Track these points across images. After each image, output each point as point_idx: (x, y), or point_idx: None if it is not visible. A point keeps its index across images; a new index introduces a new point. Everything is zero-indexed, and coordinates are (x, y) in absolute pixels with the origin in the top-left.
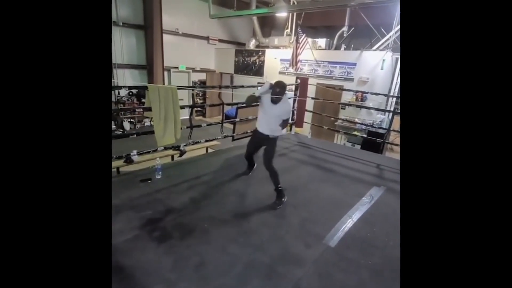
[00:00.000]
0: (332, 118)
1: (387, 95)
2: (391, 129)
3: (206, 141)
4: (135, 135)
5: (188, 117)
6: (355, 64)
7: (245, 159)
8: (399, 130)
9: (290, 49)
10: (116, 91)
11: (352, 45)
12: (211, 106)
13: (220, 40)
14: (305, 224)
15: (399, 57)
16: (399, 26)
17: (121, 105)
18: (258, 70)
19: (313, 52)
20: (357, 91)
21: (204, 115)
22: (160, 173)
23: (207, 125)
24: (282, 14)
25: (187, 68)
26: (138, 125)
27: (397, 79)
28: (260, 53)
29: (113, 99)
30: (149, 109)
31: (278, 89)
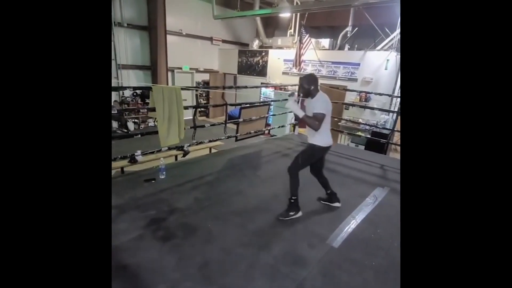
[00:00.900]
0: (336, 119)
1: (391, 95)
2: (395, 129)
3: (210, 141)
4: (139, 135)
5: (191, 117)
6: (358, 64)
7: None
8: None
9: (294, 49)
10: (121, 92)
11: (356, 45)
12: (215, 107)
13: (224, 41)
14: (309, 224)
15: None
16: None
17: (126, 105)
18: (261, 70)
19: (316, 53)
20: (360, 92)
21: (207, 115)
22: (164, 173)
23: (211, 125)
24: (285, 15)
25: (190, 68)
26: (142, 125)
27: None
28: (263, 54)
29: (117, 99)
30: (153, 109)
31: (302, 83)
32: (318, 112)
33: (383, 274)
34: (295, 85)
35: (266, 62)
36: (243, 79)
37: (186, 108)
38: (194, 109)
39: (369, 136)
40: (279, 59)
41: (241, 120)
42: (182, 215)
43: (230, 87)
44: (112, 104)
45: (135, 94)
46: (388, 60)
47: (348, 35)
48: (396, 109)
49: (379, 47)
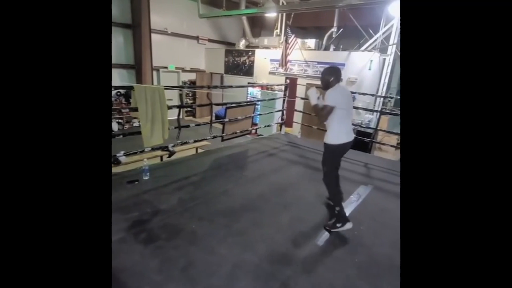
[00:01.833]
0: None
1: (374, 95)
2: (378, 128)
3: (195, 141)
4: (121, 136)
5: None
6: (344, 65)
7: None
8: (386, 130)
9: (280, 49)
10: None
11: (341, 46)
12: (200, 106)
13: (210, 40)
14: (294, 223)
15: (386, 57)
16: (386, 28)
17: None
18: (248, 70)
19: (302, 53)
20: None
21: (194, 115)
22: (148, 174)
23: (196, 125)
24: (271, 15)
25: (176, 68)
26: (127, 126)
27: (384, 80)
28: (250, 53)
29: None
30: (136, 109)
31: (322, 77)
32: (326, 103)
33: (365, 270)
34: (281, 84)
35: (253, 62)
36: (230, 78)
37: (170, 108)
38: (178, 109)
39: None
40: (266, 59)
41: (226, 120)
42: (166, 217)
43: (215, 87)
44: None
45: (119, 93)
46: (371, 60)
47: (333, 36)
48: (379, 109)
49: (363, 48)
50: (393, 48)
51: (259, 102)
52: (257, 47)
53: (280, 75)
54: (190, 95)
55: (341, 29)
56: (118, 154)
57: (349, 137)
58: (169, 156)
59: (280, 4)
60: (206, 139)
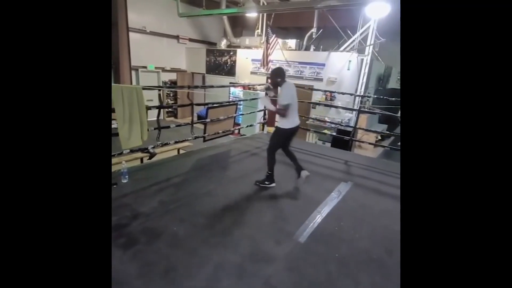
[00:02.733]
0: (303, 117)
1: (353, 94)
2: (358, 127)
3: (176, 142)
4: None
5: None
6: (324, 65)
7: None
8: (365, 128)
9: (261, 49)
10: None
11: (321, 46)
12: (181, 107)
13: (191, 40)
14: (276, 221)
15: (364, 58)
16: (363, 29)
17: None
18: (230, 70)
19: (283, 53)
20: (326, 91)
21: (175, 116)
22: (127, 176)
23: (177, 126)
24: (252, 15)
25: (156, 67)
26: None
27: (362, 79)
28: (231, 53)
29: None
30: (113, 110)
31: (271, 74)
32: (282, 104)
33: (345, 264)
34: (263, 84)
35: (235, 61)
36: (212, 78)
37: (150, 108)
38: (158, 110)
39: (334, 134)
40: (247, 59)
41: (208, 120)
42: (146, 220)
43: (196, 87)
44: None
45: None
46: (350, 61)
47: (314, 36)
48: (358, 108)
49: (342, 49)
50: (370, 49)
51: (241, 102)
52: (239, 47)
53: (262, 75)
54: (171, 95)
55: (321, 30)
56: None
57: (296, 122)
58: (150, 158)
59: (261, 4)
60: (188, 140)
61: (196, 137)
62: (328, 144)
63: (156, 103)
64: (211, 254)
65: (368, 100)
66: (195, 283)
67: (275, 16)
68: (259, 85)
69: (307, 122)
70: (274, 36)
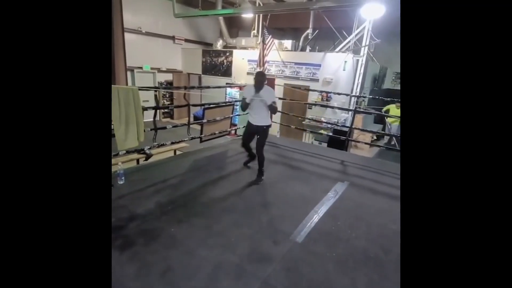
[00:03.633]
0: (300, 118)
1: (349, 95)
2: (354, 127)
3: (172, 143)
4: None
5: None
6: (319, 65)
7: (243, 148)
8: (361, 128)
9: (258, 50)
10: None
11: (317, 47)
12: (177, 107)
13: (187, 40)
14: (274, 221)
15: (359, 59)
16: (358, 30)
17: None
18: (226, 70)
19: (279, 53)
20: (322, 91)
21: (172, 116)
22: (123, 178)
23: (173, 126)
24: (248, 15)
25: (152, 68)
26: None
27: (358, 80)
28: (227, 54)
29: None
30: None
31: (259, 78)
32: (275, 101)
33: (342, 263)
34: None
35: (231, 62)
36: (208, 79)
37: (146, 109)
38: (154, 111)
39: (331, 134)
40: (244, 60)
41: (205, 121)
42: (143, 221)
43: (192, 87)
44: None
45: None
46: (346, 61)
47: (309, 37)
48: (353, 108)
49: (337, 49)
50: (366, 50)
51: (237, 103)
52: (235, 47)
53: None
54: (168, 96)
55: (317, 31)
56: None
57: None
58: (146, 159)
59: (257, 5)
60: (184, 140)
61: (192, 138)
62: (325, 144)
63: (152, 103)
64: (209, 254)
65: (363, 100)
66: (194, 284)
67: (271, 17)
68: None
69: (303, 122)
70: (270, 36)
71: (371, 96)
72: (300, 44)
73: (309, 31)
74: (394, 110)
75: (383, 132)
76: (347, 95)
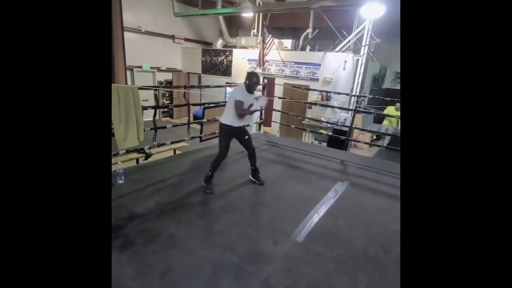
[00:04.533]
0: (300, 117)
1: (349, 94)
2: (353, 126)
3: (172, 142)
4: None
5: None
6: (319, 65)
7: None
8: (361, 128)
9: (257, 49)
10: None
11: (317, 46)
12: (177, 107)
13: (186, 39)
14: (274, 221)
15: (359, 58)
16: (358, 29)
17: None
18: (226, 70)
19: (279, 53)
20: (322, 91)
21: (171, 116)
22: (123, 177)
23: (173, 126)
24: (248, 15)
25: (151, 67)
26: None
27: (358, 79)
28: (227, 53)
29: None
30: None
31: (255, 79)
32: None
33: (343, 263)
34: (259, 84)
35: (231, 61)
36: (208, 78)
37: (145, 108)
38: (154, 110)
39: (330, 133)
40: (244, 59)
41: (204, 120)
42: (143, 221)
43: (192, 87)
44: None
45: None
46: (346, 61)
47: (309, 37)
48: (353, 107)
49: (337, 49)
50: (366, 49)
51: None
52: (235, 47)
53: (259, 75)
54: (167, 95)
55: (317, 30)
56: None
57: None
58: (146, 159)
59: (257, 4)
60: (184, 140)
61: (192, 138)
62: (324, 144)
63: (151, 103)
64: (209, 254)
65: (363, 100)
66: (193, 284)
67: (271, 16)
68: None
69: (303, 122)
70: (270, 36)
71: (371, 96)
72: (300, 43)
73: (309, 30)
74: (393, 111)
75: (382, 132)
76: (347, 94)
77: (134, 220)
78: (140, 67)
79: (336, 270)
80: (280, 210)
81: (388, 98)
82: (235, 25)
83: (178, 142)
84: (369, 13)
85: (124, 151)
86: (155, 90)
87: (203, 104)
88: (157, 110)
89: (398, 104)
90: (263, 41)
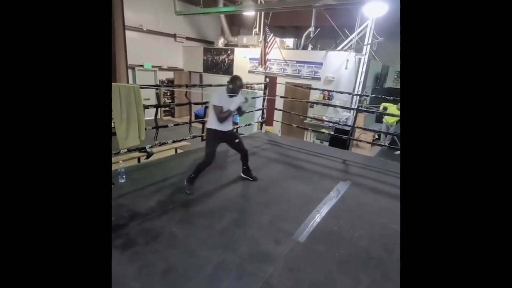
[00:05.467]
0: (301, 117)
1: (351, 94)
2: (355, 126)
3: (174, 141)
4: None
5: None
6: (321, 64)
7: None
8: (363, 127)
9: (259, 48)
10: None
11: (319, 45)
12: (179, 106)
13: (188, 38)
14: (276, 221)
15: (361, 57)
16: (360, 28)
17: None
18: (227, 69)
19: (281, 52)
20: (323, 90)
21: (173, 115)
22: (124, 176)
23: (175, 125)
24: (249, 13)
25: (153, 66)
26: None
27: (360, 78)
28: (229, 52)
29: None
30: None
31: (239, 82)
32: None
33: (345, 263)
34: (261, 83)
35: (232, 60)
36: (209, 77)
37: (147, 107)
38: (155, 109)
39: (332, 133)
40: (245, 58)
41: (206, 119)
42: (144, 220)
43: (193, 85)
44: None
45: None
46: (348, 60)
47: (311, 36)
48: (356, 107)
49: (339, 48)
50: (368, 48)
51: None
52: (236, 45)
53: (260, 74)
54: (169, 94)
55: (319, 29)
56: None
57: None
58: (147, 158)
59: (258, 2)
60: (186, 139)
61: (194, 137)
62: (326, 143)
63: (153, 102)
64: (211, 254)
65: (365, 99)
66: (195, 284)
67: (273, 15)
68: (257, 84)
69: (305, 121)
70: (272, 35)
71: (373, 95)
72: (302, 42)
73: (311, 29)
74: (395, 110)
75: (384, 131)
76: (349, 93)
77: (135, 219)
78: (142, 66)
79: (338, 270)
80: (282, 210)
81: (391, 97)
82: (236, 24)
83: (179, 141)
84: (371, 12)
85: (126, 150)
86: (157, 89)
87: (205, 103)
88: (159, 109)
89: (399, 104)
90: (265, 40)
